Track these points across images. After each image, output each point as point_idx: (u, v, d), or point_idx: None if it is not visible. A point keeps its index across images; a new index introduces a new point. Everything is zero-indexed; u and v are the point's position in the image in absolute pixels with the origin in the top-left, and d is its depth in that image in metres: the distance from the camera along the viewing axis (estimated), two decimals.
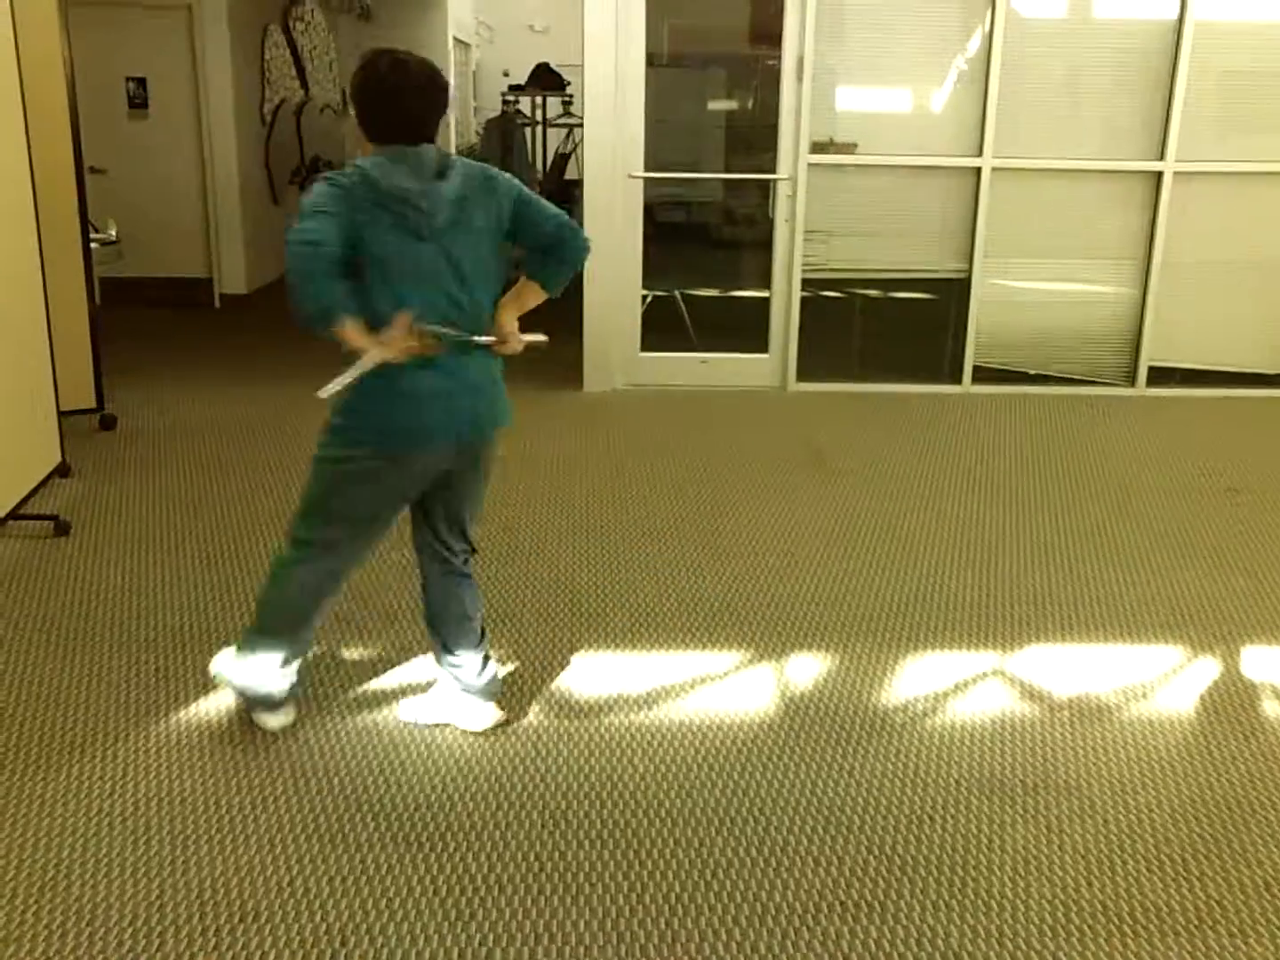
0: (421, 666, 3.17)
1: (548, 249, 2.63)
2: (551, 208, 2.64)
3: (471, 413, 2.62)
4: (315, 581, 2.72)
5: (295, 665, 2.82)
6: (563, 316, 7.43)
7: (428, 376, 2.50)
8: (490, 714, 2.88)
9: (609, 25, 5.77)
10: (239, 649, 2.82)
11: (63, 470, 4.70)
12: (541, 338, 2.73)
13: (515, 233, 2.61)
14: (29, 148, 4.32)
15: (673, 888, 2.32)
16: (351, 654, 3.26)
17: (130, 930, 2.19)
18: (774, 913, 2.26)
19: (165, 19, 7.94)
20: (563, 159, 11.46)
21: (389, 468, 2.58)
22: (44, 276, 4.46)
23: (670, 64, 6.46)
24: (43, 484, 4.49)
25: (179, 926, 2.20)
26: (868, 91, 6.19)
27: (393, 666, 3.19)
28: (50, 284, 4.52)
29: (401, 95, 2.47)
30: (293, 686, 2.84)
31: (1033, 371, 6.38)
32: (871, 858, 2.41)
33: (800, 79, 5.85)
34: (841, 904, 2.28)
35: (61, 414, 4.72)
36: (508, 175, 2.63)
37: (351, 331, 2.33)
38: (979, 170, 5.99)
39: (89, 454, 4.94)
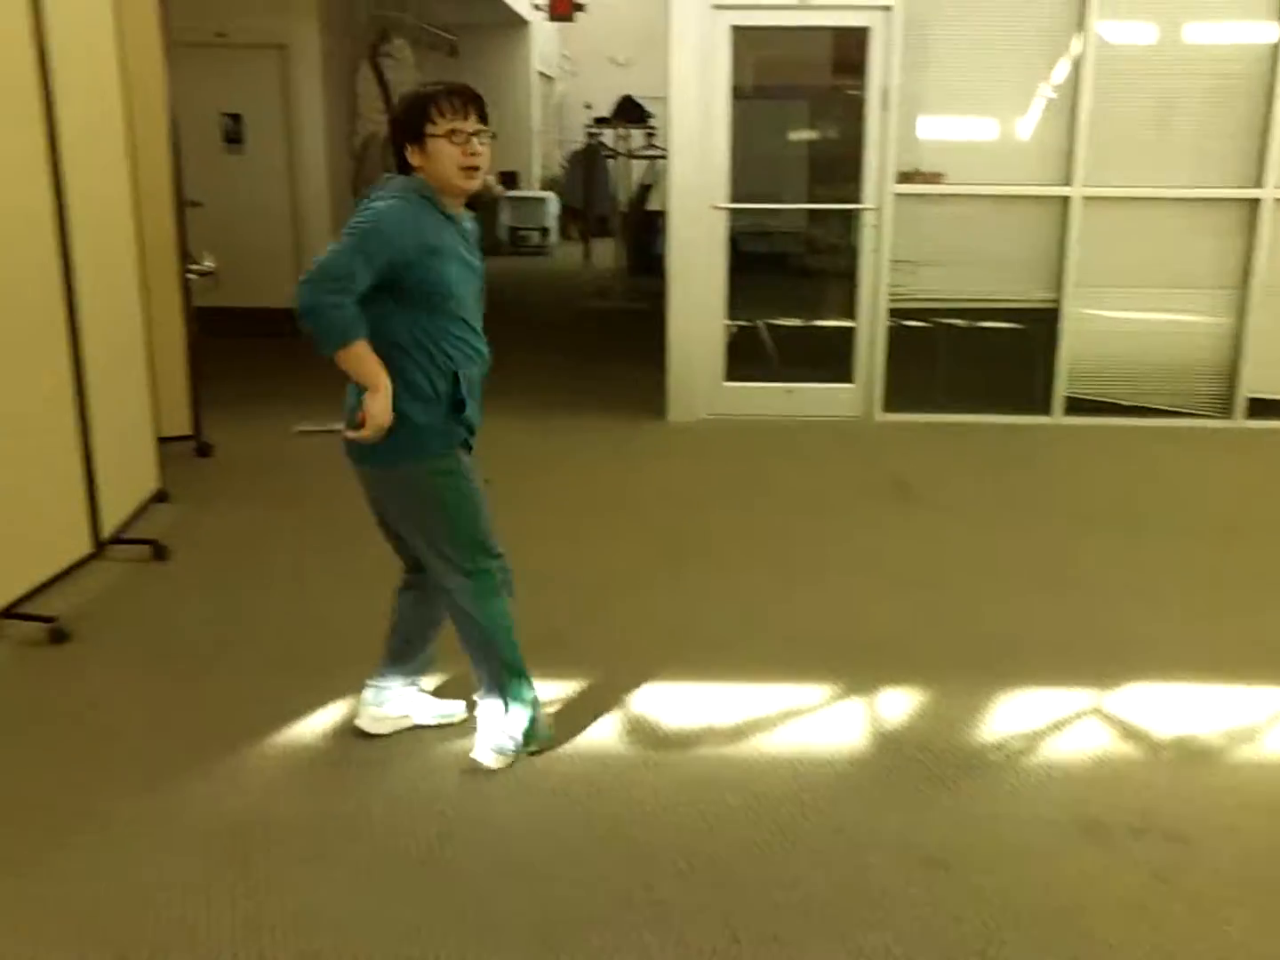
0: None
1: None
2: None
3: None
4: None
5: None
6: (646, 346, 7.49)
7: None
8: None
9: (694, 59, 5.81)
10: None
11: (160, 496, 4.81)
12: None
13: None
14: (134, 182, 4.45)
15: (769, 922, 2.29)
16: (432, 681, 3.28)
17: (230, 951, 2.21)
18: (869, 954, 2.21)
19: (261, 57, 8.16)
20: (645, 190, 11.56)
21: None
22: (146, 305, 4.59)
23: (753, 95, 6.47)
24: (142, 509, 4.60)
25: (276, 949, 2.22)
26: (953, 120, 6.15)
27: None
28: (150, 314, 4.66)
29: None
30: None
31: (1125, 403, 6.26)
32: (970, 900, 2.36)
33: (886, 108, 5.83)
34: (941, 949, 2.23)
35: (160, 440, 4.84)
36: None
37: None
38: (1068, 199, 5.91)
39: (186, 481, 5.04)
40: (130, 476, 4.48)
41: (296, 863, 2.47)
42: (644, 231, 11.86)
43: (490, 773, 2.80)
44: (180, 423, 5.44)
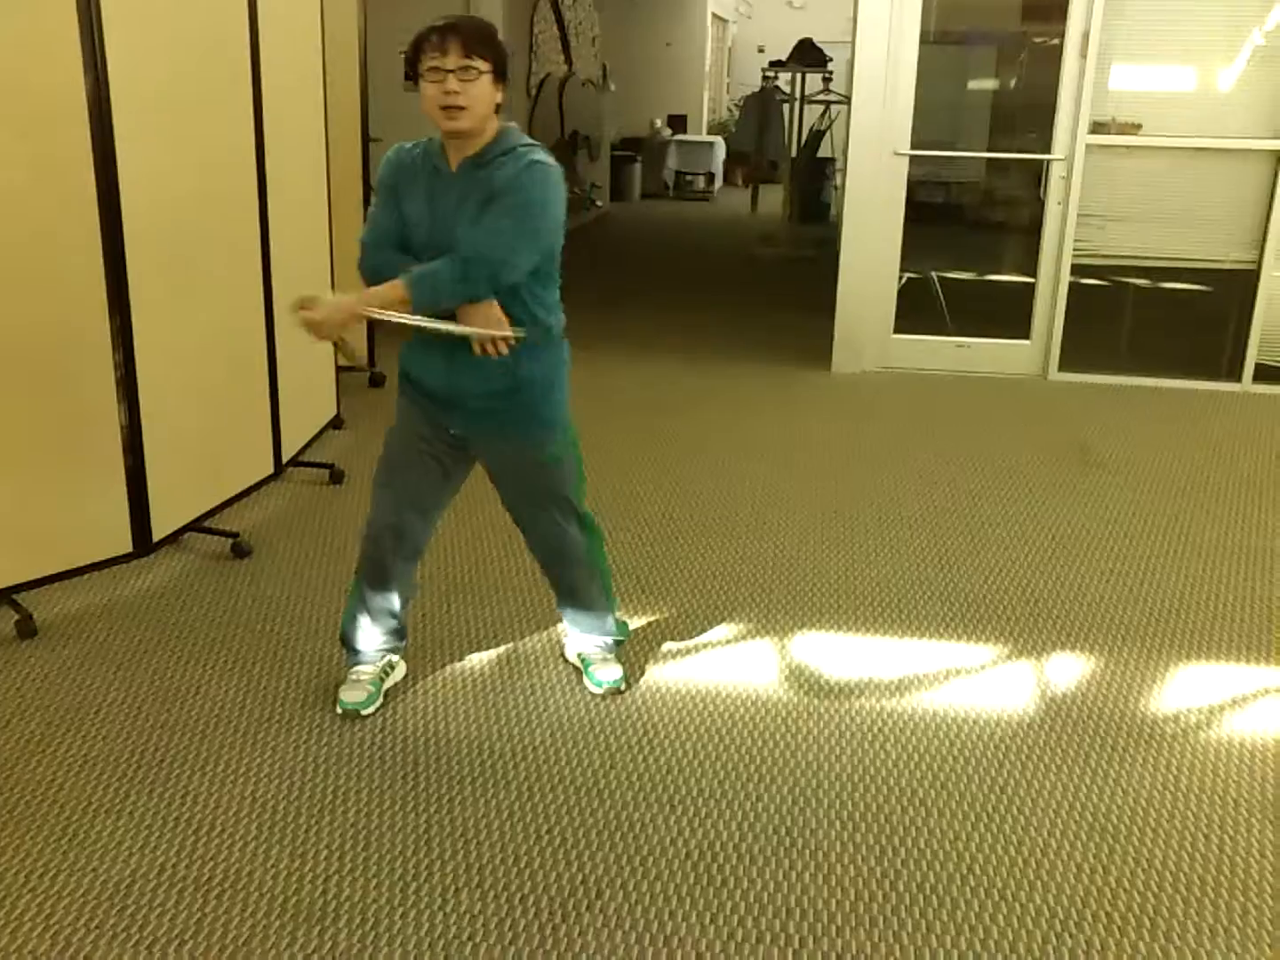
0: (680, 627, 3.22)
1: None
2: None
3: None
4: None
5: None
6: (813, 294, 7.39)
7: None
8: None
9: (884, 2, 5.64)
10: (617, 620, 2.99)
11: (336, 423, 4.99)
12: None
13: None
14: (325, 119, 4.57)
15: (926, 877, 2.27)
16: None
17: (400, 859, 2.30)
18: (1034, 915, 2.18)
19: None
20: (817, 136, 11.35)
21: None
22: (331, 240, 4.72)
23: (939, 40, 6.27)
24: (319, 434, 4.78)
25: (444, 861, 2.30)
26: (1154, 68, 5.84)
27: (655, 628, 3.24)
28: (333, 247, 4.79)
29: None
30: None
31: None
32: (1140, 870, 2.30)
33: (1084, 54, 5.58)
34: (1107, 915, 2.18)
35: (337, 370, 5.01)
36: None
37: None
38: (1278, 154, 5.58)
39: (359, 409, 5.21)
40: (310, 404, 4.65)
41: (463, 781, 2.56)
42: (814, 178, 11.68)
43: (650, 708, 2.84)
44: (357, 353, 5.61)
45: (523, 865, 2.29)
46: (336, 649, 3.04)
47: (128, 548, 3.52)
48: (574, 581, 2.88)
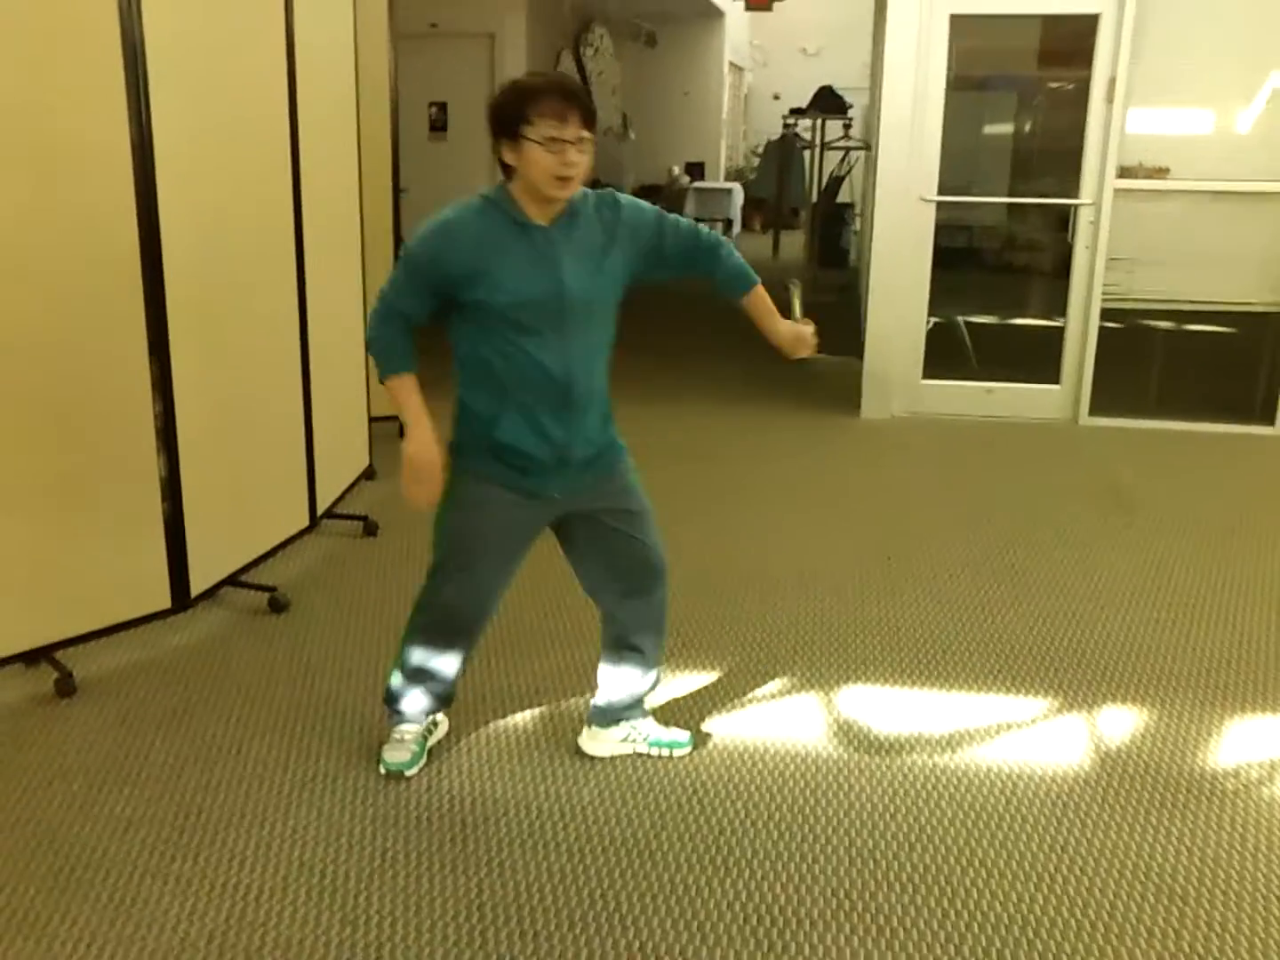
0: (725, 683, 3.18)
1: None
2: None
3: None
4: None
5: None
6: (836, 339, 7.38)
7: None
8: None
9: (908, 49, 5.68)
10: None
11: (369, 474, 4.98)
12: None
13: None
14: (360, 172, 4.60)
15: (992, 942, 2.22)
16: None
17: (454, 925, 2.26)
18: None
19: (470, 46, 8.36)
20: (836, 182, 11.40)
21: None
22: (364, 291, 4.74)
23: (962, 85, 6.30)
24: (353, 485, 4.77)
25: (497, 927, 2.25)
26: (1180, 112, 5.84)
27: (699, 685, 3.20)
28: (367, 298, 4.81)
29: None
30: None
31: None
32: (1214, 935, 2.24)
33: (1110, 99, 5.59)
34: None
35: (370, 420, 5.00)
36: None
37: None
38: None
39: (391, 459, 5.20)
40: (344, 454, 4.65)
41: (513, 843, 2.51)
42: (834, 224, 11.72)
43: (699, 768, 2.80)
44: (386, 403, 5.57)
45: (578, 931, 2.25)
46: (377, 706, 3.01)
47: (166, 603, 3.50)
48: (662, 604, 2.75)
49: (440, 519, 2.60)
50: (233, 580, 3.77)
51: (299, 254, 3.96)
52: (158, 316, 3.28)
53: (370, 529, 4.39)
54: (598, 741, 2.86)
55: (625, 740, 2.85)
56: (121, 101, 3.08)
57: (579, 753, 2.86)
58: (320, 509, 4.33)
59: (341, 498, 4.61)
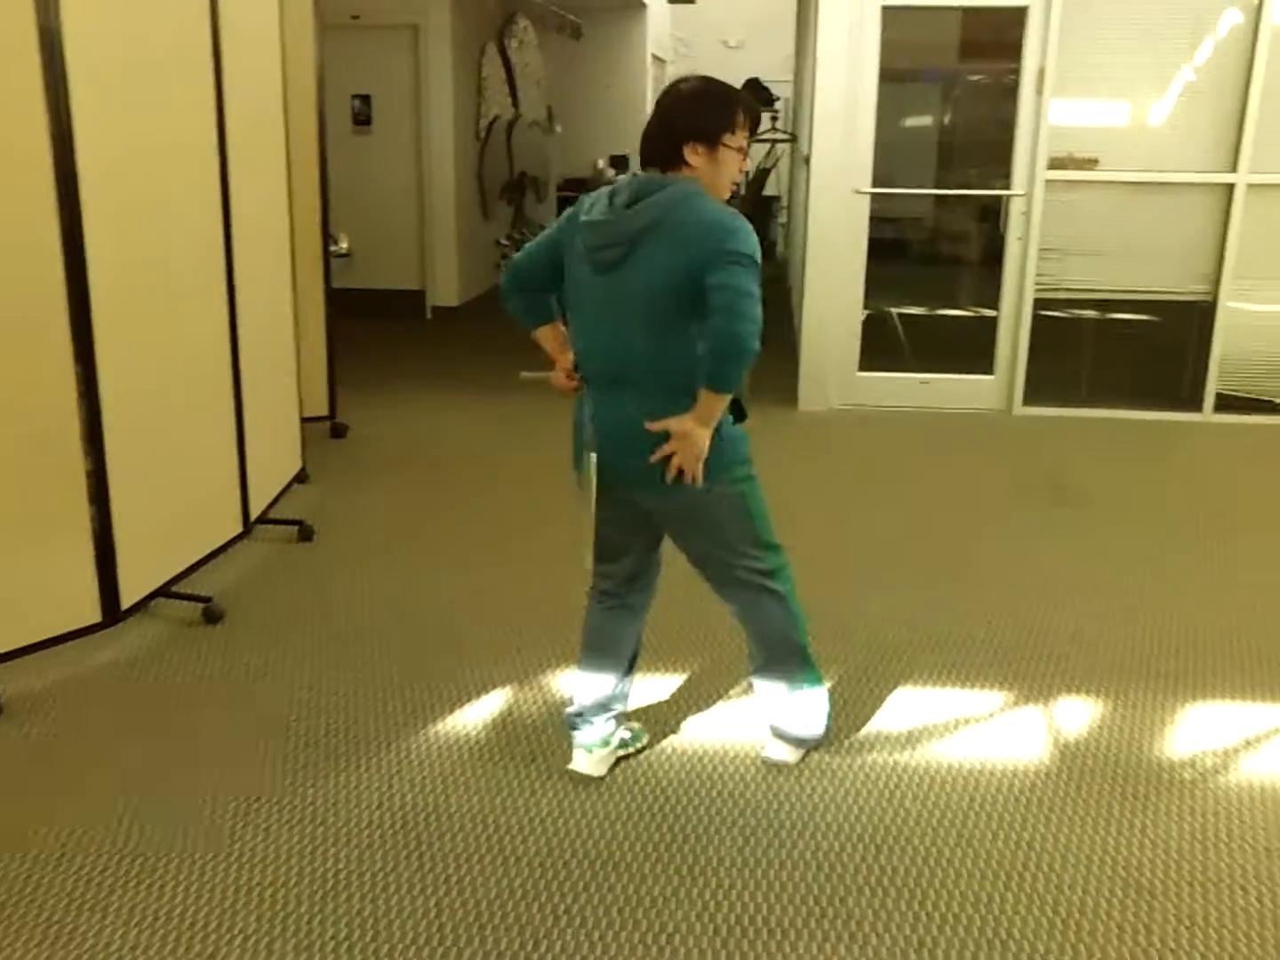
0: (701, 689, 3.12)
1: (711, 332, 2.29)
2: (732, 279, 2.24)
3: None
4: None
5: None
6: (777, 333, 7.35)
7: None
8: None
9: (841, 42, 5.66)
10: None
11: (301, 476, 4.84)
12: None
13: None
14: (288, 166, 4.46)
15: (965, 945, 2.19)
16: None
17: (414, 947, 2.17)
18: None
19: (393, 38, 8.19)
20: (763, 174, 11.40)
21: None
22: (294, 289, 4.60)
23: (894, 78, 6.30)
24: (286, 489, 4.63)
25: (460, 949, 2.17)
26: (1110, 104, 5.90)
27: (654, 687, 3.13)
28: (295, 295, 4.67)
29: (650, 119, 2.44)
30: None
31: (1279, 401, 5.98)
32: (1184, 930, 2.22)
33: (1040, 91, 5.62)
34: None
35: (302, 421, 4.87)
36: (716, 220, 2.28)
37: (542, 340, 2.61)
38: (1232, 187, 5.65)
39: (323, 461, 5.07)
40: (276, 458, 4.51)
41: (471, 859, 2.43)
42: (760, 216, 11.71)
43: (661, 771, 2.74)
44: (317, 404, 5.46)
45: (544, 950, 2.17)
46: (320, 718, 2.92)
47: (96, 617, 3.35)
48: None
49: (755, 496, 2.59)
50: (165, 591, 3.63)
51: (228, 251, 3.82)
52: (82, 318, 3.14)
53: (305, 534, 4.26)
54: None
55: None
56: (39, 95, 2.93)
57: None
58: (253, 514, 4.19)
59: (275, 502, 4.47)
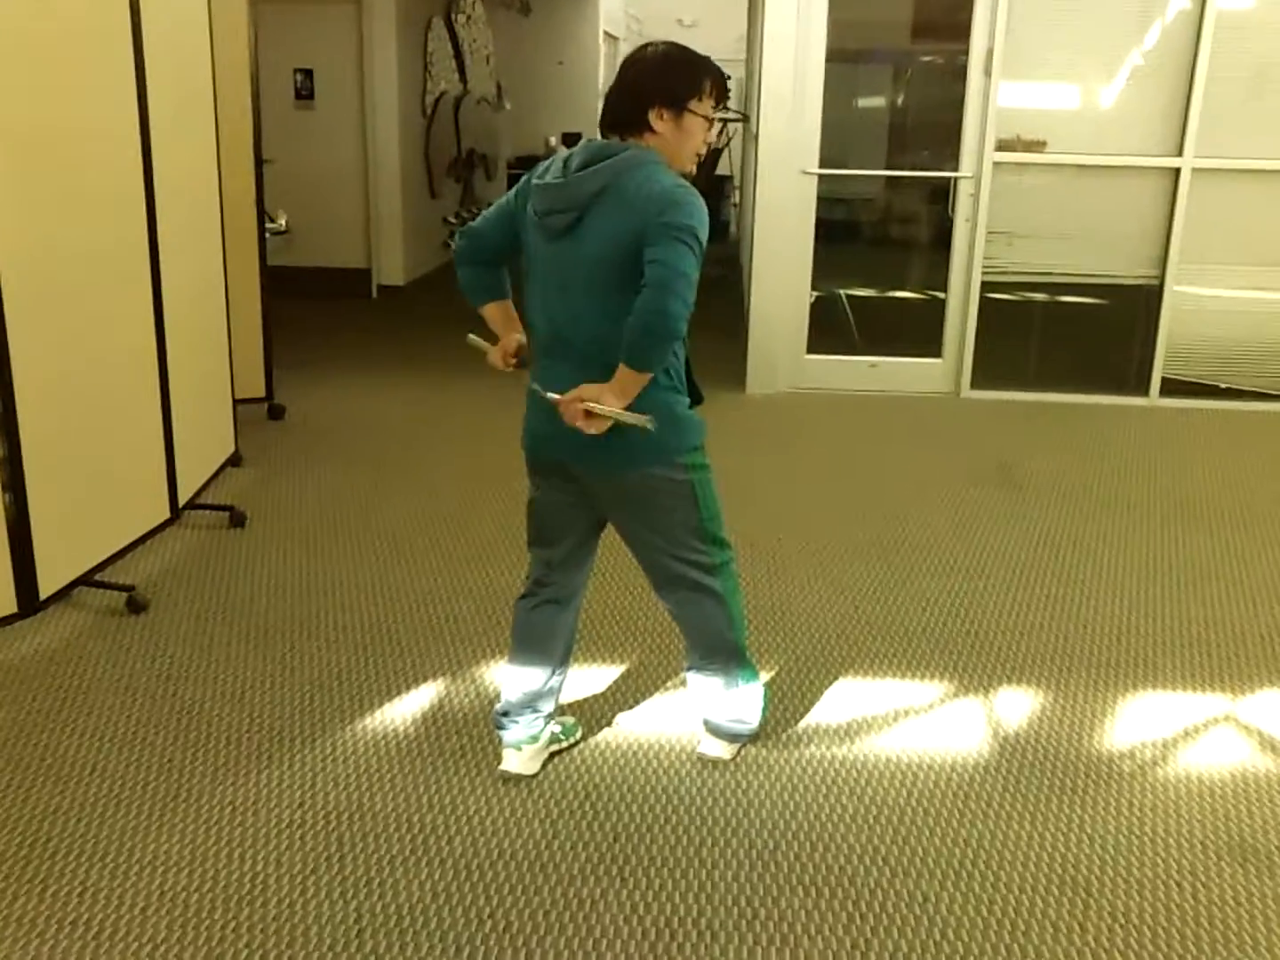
0: (634, 684, 3.05)
1: (639, 305, 2.16)
2: (669, 253, 2.13)
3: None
4: None
5: None
6: (717, 314, 7.28)
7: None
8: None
9: (790, 21, 5.58)
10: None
11: (235, 460, 4.71)
12: (639, 419, 2.21)
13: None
14: (218, 142, 4.32)
15: (899, 946, 2.14)
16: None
17: (332, 954, 2.09)
18: None
19: (335, 11, 8.01)
20: (715, 153, 11.32)
21: None
22: (225, 266, 4.47)
23: (843, 59, 6.23)
24: (218, 473, 4.50)
25: (380, 955, 2.10)
26: (1058, 86, 5.86)
27: (588, 680, 3.06)
28: (228, 273, 4.54)
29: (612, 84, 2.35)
30: None
31: (1224, 385, 6.00)
32: (1118, 928, 2.19)
33: (989, 73, 5.58)
34: None
35: (235, 403, 4.74)
36: (665, 190, 2.18)
37: (488, 318, 2.52)
38: (1178, 171, 5.64)
39: (259, 444, 4.95)
40: (207, 441, 4.38)
41: (394, 861, 2.35)
42: (713, 196, 11.64)
43: (590, 770, 2.67)
44: (253, 385, 5.33)
45: (465, 955, 2.10)
46: (245, 712, 2.82)
47: (12, 608, 3.24)
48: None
49: (706, 487, 2.50)
50: (86, 579, 3.51)
51: (151, 230, 3.69)
52: None
53: (237, 519, 4.14)
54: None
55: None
56: None
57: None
58: (182, 499, 4.07)
59: (205, 487, 4.35)
